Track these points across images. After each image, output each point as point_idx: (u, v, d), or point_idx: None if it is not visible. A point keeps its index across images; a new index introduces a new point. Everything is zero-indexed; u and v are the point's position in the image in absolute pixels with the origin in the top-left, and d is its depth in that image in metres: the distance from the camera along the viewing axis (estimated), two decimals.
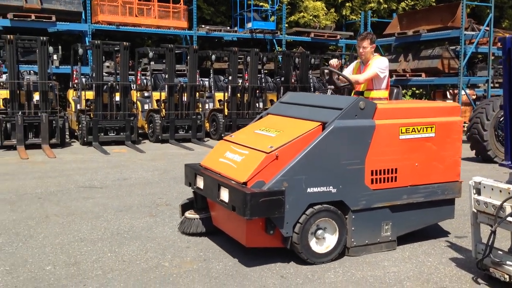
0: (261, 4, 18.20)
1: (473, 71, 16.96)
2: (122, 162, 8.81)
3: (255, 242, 3.97)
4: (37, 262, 4.01)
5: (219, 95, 13.12)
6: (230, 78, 12.62)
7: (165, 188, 6.67)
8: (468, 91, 14.97)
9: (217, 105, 12.98)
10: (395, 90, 5.44)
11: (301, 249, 3.91)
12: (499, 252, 3.60)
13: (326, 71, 5.47)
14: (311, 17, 19.08)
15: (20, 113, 9.84)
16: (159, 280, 3.69)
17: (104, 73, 11.32)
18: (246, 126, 5.02)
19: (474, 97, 15.22)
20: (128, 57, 11.20)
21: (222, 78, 14.64)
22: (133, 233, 4.79)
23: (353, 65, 5.62)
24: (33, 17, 13.34)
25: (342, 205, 4.07)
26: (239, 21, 18.07)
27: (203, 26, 16.82)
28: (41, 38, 10.13)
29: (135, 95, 12.40)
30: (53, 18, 13.58)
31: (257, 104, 12.96)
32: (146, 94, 12.78)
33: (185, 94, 11.87)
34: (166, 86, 11.64)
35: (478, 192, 3.65)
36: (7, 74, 10.31)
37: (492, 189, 3.52)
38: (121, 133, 11.03)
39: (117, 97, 11.12)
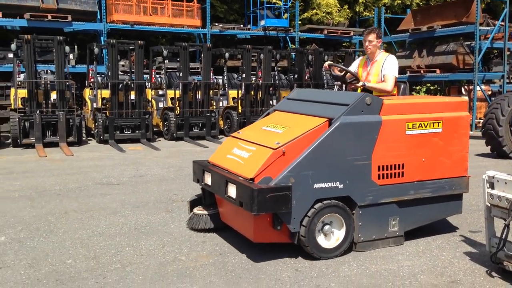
0: (274, 1, 18.22)
1: (488, 67, 16.81)
2: (138, 160, 8.93)
3: (263, 237, 4.00)
4: (57, 256, 4.12)
5: (232, 93, 13.20)
6: (243, 75, 12.69)
7: (180, 185, 6.77)
8: (483, 86, 14.85)
9: (231, 103, 13.06)
10: (402, 86, 5.42)
11: (308, 244, 3.94)
12: None
13: (326, 66, 5.39)
14: (324, 14, 19.05)
15: (38, 112, 10.02)
16: (176, 273, 3.77)
17: (119, 72, 11.45)
18: (253, 123, 5.05)
19: (489, 92, 15.09)
20: (143, 55, 11.32)
21: (235, 75, 14.71)
22: (150, 228, 4.88)
23: (358, 61, 5.56)
24: (49, 17, 13.53)
25: (349, 200, 4.09)
26: (252, 19, 18.12)
27: (216, 24, 16.90)
28: (58, 37, 10.29)
29: (150, 93, 12.54)
30: (69, 18, 13.75)
31: (270, 102, 13.00)
32: (160, 92, 12.90)
33: (199, 92, 11.97)
34: (180, 84, 11.75)
35: (492, 186, 3.67)
36: (25, 74, 10.48)
37: (506, 183, 3.54)
38: (137, 131, 11.17)
39: (132, 96, 11.26)
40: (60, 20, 13.71)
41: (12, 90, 11.34)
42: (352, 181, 4.04)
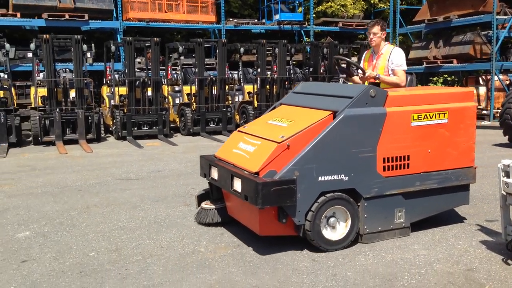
0: None
1: (506, 56, 16.56)
2: (156, 155, 9.07)
3: (268, 230, 4.04)
4: (81, 249, 4.25)
5: (248, 88, 13.26)
6: (258, 70, 12.74)
7: (197, 179, 6.86)
8: (501, 76, 14.67)
9: (247, 97, 13.12)
10: (408, 77, 5.37)
11: (314, 237, 3.97)
12: None
13: (368, 75, 5.27)
14: (338, 7, 18.97)
15: (57, 110, 10.21)
16: (196, 264, 3.87)
17: (136, 69, 11.59)
18: (259, 117, 5.07)
19: (507, 82, 14.90)
20: (158, 52, 11.44)
21: (251, 70, 14.77)
22: (169, 221, 4.99)
23: (363, 55, 5.55)
24: (66, 16, 13.74)
25: (354, 192, 4.11)
26: (267, 13, 18.14)
27: (231, 19, 16.97)
28: (76, 36, 10.45)
29: (166, 89, 12.66)
30: (86, 17, 13.96)
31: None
32: (177, 88, 13.03)
33: (215, 87, 12.05)
34: (196, 80, 11.84)
35: (507, 175, 3.68)
36: (44, 73, 10.67)
37: None
38: (154, 127, 11.30)
39: (149, 92, 11.38)
40: (77, 19, 13.92)
41: (32, 89, 11.59)
42: (357, 174, 4.06)
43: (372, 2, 20.27)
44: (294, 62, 14.77)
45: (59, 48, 12.70)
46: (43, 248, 4.26)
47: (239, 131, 4.73)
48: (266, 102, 12.67)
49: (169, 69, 13.48)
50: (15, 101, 11.46)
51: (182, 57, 12.86)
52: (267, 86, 12.78)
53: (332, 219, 4.06)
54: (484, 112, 14.47)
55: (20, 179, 7.05)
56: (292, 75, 13.82)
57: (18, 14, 13.58)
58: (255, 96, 12.75)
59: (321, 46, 13.75)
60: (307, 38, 17.75)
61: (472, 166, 4.57)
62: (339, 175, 4.00)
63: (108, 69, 12.91)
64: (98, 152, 9.44)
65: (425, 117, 4.31)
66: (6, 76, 11.30)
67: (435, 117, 4.35)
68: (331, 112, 4.12)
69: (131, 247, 4.27)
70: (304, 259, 3.92)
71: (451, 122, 4.41)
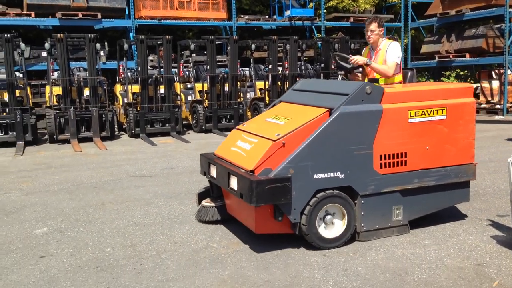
0: None
1: None
2: (169, 152, 9.17)
3: (265, 228, 4.04)
4: (97, 244, 4.35)
5: (259, 84, 13.31)
6: (270, 66, 12.78)
7: None
8: None
9: (258, 94, 13.17)
10: (409, 73, 5.34)
11: (310, 235, 3.97)
12: None
13: (358, 61, 5.25)
14: (349, 2, 18.89)
15: (72, 108, 10.36)
16: (209, 259, 3.94)
17: (148, 67, 11.70)
18: (258, 115, 5.04)
19: None
20: (170, 50, 11.53)
21: (262, 67, 14.81)
22: (182, 217, 5.07)
23: (362, 52, 5.54)
24: (80, 16, 13.90)
25: (350, 190, 4.09)
26: (278, 9, 18.13)
27: (242, 16, 17.01)
28: (89, 35, 10.60)
29: (178, 87, 12.77)
30: (99, 16, 14.10)
31: None
32: (189, 85, 13.12)
33: (227, 84, 12.12)
34: (208, 77, 11.92)
35: None
36: (58, 72, 10.83)
37: None
38: (167, 125, 11.41)
39: (162, 90, 11.50)
40: (90, 18, 14.07)
41: (47, 88, 11.76)
42: (353, 171, 4.04)
43: None
44: (306, 58, 14.77)
45: (73, 47, 12.87)
46: (60, 244, 4.38)
47: (237, 129, 4.73)
48: (278, 98, 12.69)
49: (181, 66, 13.58)
50: (30, 100, 11.64)
51: (194, 55, 12.94)
52: (279, 83, 12.81)
53: (328, 217, 4.05)
54: (498, 106, 14.35)
55: (36, 177, 7.20)
56: (304, 71, 13.84)
57: (33, 14, 13.77)
58: (266, 92, 12.79)
59: (332, 42, 13.74)
60: (318, 34, 17.73)
61: (472, 163, 4.51)
62: (335, 173, 3.99)
63: (121, 67, 13.06)
64: (112, 150, 9.57)
65: (423, 113, 4.26)
66: (21, 75, 11.48)
67: (433, 114, 4.30)
68: (327, 109, 4.10)
69: (146, 242, 4.36)
70: (315, 254, 3.98)
71: (449, 118, 4.35)
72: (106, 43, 14.47)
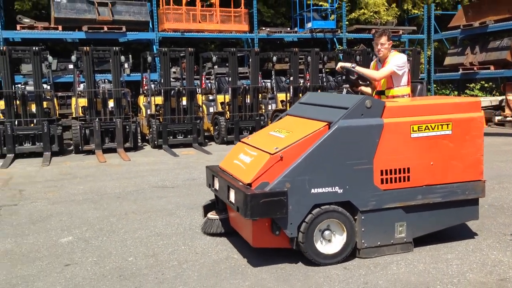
0: (320, 3, 18.27)
1: None
2: (191, 164, 9.26)
3: (262, 242, 4.02)
4: (120, 253, 4.44)
5: (281, 96, 13.37)
6: (291, 78, 12.84)
7: None
8: None
9: (280, 106, 13.23)
10: (418, 86, 5.26)
11: (307, 250, 3.93)
12: None
13: (338, 67, 5.33)
14: (371, 14, 18.89)
15: (97, 119, 10.57)
16: (229, 270, 3.98)
17: (171, 79, 11.87)
18: (264, 128, 5.02)
19: None
20: (193, 62, 11.70)
21: (283, 79, 14.88)
22: None
23: (370, 65, 5.54)
24: (105, 29, 14.21)
25: (350, 205, 4.03)
26: (299, 22, 18.24)
27: (263, 28, 17.15)
28: (114, 48, 10.82)
29: (200, 98, 12.91)
30: (124, 29, 14.40)
31: None
32: (211, 97, 13.25)
33: (248, 96, 12.21)
34: (230, 88, 12.03)
35: None
36: (84, 84, 11.07)
37: None
38: (189, 136, 11.53)
39: (184, 101, 11.65)
40: (115, 31, 14.37)
41: (73, 100, 12.02)
42: (352, 186, 3.98)
43: (405, 8, 20.09)
44: (327, 70, 14.79)
45: (98, 59, 13.12)
46: (85, 253, 4.47)
47: (242, 141, 4.73)
48: None
49: (203, 78, 13.73)
50: (57, 111, 11.91)
51: (215, 67, 13.09)
52: (300, 94, 12.83)
53: (326, 232, 3.99)
54: None
55: (62, 187, 7.36)
56: (325, 83, 13.86)
57: (60, 27, 14.14)
58: (288, 104, 12.84)
59: (354, 54, 13.74)
60: (339, 46, 17.74)
61: (481, 180, 4.35)
62: (333, 188, 3.94)
63: (144, 79, 13.29)
64: (135, 161, 9.72)
65: (426, 128, 4.16)
66: (48, 87, 11.79)
67: (438, 128, 4.19)
68: (326, 123, 4.06)
69: (167, 252, 4.43)
70: (335, 267, 3.98)
71: (455, 133, 4.24)
72: (130, 56, 14.74)
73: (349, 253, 4.07)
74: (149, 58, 12.19)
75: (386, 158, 4.07)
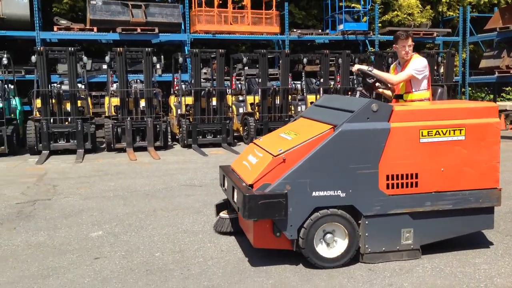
0: (352, 5, 18.14)
1: None
2: (219, 163, 9.23)
3: (263, 243, 4.02)
4: (147, 249, 4.53)
5: (311, 98, 13.34)
6: (321, 80, 12.80)
7: None
8: None
9: None
10: (439, 90, 5.12)
11: (307, 253, 3.91)
12: None
13: (355, 70, 5.24)
14: (405, 16, 18.65)
15: (129, 118, 10.79)
16: (254, 268, 4.02)
17: (201, 80, 12.01)
18: (276, 129, 5.02)
19: None
20: (223, 63, 11.79)
21: (314, 80, 14.84)
22: None
23: (390, 67, 5.44)
24: (138, 30, 14.51)
25: (353, 210, 3.98)
26: (331, 23, 18.15)
27: (294, 30, 17.14)
28: (146, 49, 11.02)
29: (230, 99, 13.00)
30: (156, 30, 14.66)
31: None
32: (240, 98, 13.34)
33: (278, 97, 12.24)
34: (260, 90, 12.09)
35: None
36: (117, 83, 11.33)
37: None
38: (218, 136, 11.64)
39: (214, 102, 11.75)
40: (148, 32, 14.66)
41: (106, 99, 12.32)
42: (356, 190, 3.92)
43: (440, 10, 19.75)
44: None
45: (131, 60, 13.39)
46: (114, 247, 4.58)
47: (253, 142, 4.74)
48: None
49: (233, 79, 13.83)
50: (91, 110, 12.21)
51: (246, 68, 13.16)
52: None
53: (328, 236, 3.95)
54: None
55: (94, 183, 7.55)
56: (356, 85, 13.74)
57: (95, 29, 14.49)
58: None
59: (386, 56, 13.60)
60: (371, 48, 17.58)
61: (496, 188, 4.18)
62: (336, 191, 3.89)
63: (175, 79, 13.48)
64: (165, 159, 9.87)
65: (437, 133, 4.04)
66: (83, 86, 12.10)
67: (449, 134, 4.06)
68: (332, 126, 4.02)
69: (193, 249, 4.49)
70: (360, 268, 3.96)
71: (469, 139, 4.09)
72: (162, 57, 14.97)
73: (352, 256, 4.01)
74: (181, 59, 12.36)
75: (393, 163, 3.98)
